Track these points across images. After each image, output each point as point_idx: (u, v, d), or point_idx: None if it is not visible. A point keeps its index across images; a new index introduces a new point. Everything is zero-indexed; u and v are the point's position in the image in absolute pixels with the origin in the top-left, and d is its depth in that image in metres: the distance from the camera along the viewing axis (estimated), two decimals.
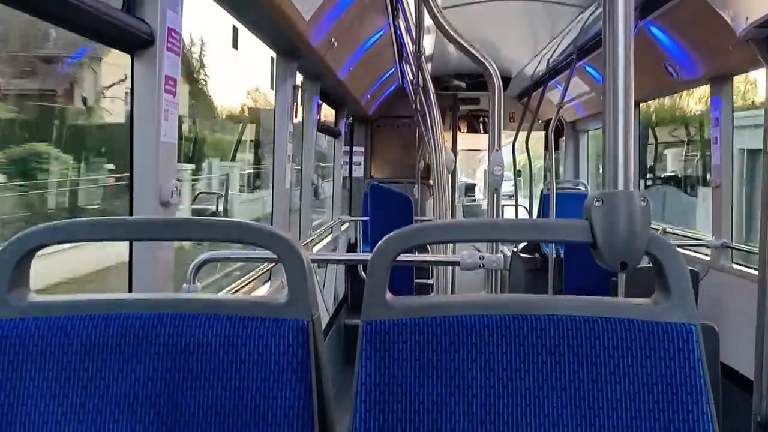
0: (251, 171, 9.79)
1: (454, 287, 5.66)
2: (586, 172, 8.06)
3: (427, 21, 2.91)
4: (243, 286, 3.06)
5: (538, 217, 6.91)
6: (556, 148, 7.88)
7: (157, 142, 1.88)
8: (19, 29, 4.34)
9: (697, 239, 4.96)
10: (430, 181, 6.13)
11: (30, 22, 4.33)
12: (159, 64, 1.87)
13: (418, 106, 5.12)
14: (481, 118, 8.51)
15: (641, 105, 5.73)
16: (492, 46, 5.74)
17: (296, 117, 3.76)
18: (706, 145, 6.53)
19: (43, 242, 1.07)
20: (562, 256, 5.40)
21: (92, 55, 5.00)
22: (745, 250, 4.18)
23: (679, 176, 8.13)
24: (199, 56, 8.09)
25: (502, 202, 2.29)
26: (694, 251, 4.60)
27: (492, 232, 1.13)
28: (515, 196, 6.83)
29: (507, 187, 8.04)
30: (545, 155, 8.39)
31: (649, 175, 8.41)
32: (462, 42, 2.05)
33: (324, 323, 5.06)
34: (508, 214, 6.80)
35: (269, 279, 3.66)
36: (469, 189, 13.10)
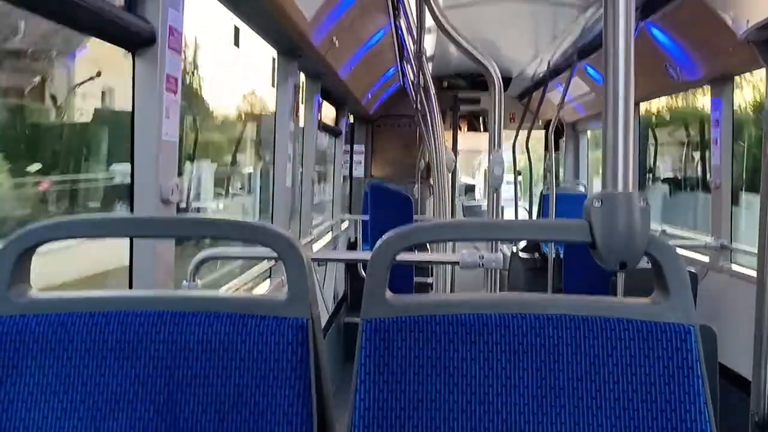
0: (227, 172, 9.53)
1: (453, 286, 5.65)
2: (586, 172, 8.06)
3: (428, 21, 2.91)
4: (243, 286, 3.06)
5: (538, 217, 6.90)
6: (556, 148, 7.88)
7: (159, 141, 1.88)
8: None
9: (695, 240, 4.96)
10: (431, 181, 6.14)
11: None
12: (160, 62, 1.88)
13: (419, 105, 5.12)
14: (482, 118, 8.52)
15: (641, 105, 5.74)
16: (493, 47, 5.75)
17: (299, 118, 3.77)
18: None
19: (44, 239, 1.07)
20: (561, 255, 5.39)
21: None
22: (744, 251, 4.18)
23: (679, 178, 8.11)
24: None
25: (503, 206, 2.29)
26: (695, 251, 4.60)
27: (491, 231, 1.14)
28: (515, 196, 6.83)
29: (508, 193, 7.98)
30: (545, 155, 8.39)
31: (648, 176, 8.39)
32: (463, 42, 2.05)
33: (324, 321, 5.07)
34: (508, 214, 6.80)
35: (269, 277, 3.66)
36: (470, 189, 13.08)
